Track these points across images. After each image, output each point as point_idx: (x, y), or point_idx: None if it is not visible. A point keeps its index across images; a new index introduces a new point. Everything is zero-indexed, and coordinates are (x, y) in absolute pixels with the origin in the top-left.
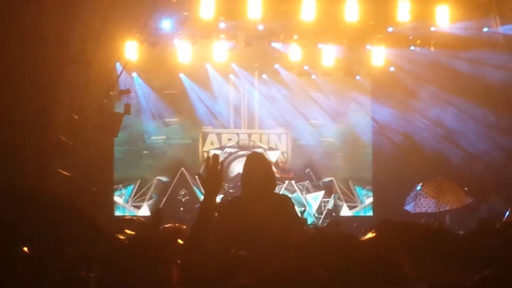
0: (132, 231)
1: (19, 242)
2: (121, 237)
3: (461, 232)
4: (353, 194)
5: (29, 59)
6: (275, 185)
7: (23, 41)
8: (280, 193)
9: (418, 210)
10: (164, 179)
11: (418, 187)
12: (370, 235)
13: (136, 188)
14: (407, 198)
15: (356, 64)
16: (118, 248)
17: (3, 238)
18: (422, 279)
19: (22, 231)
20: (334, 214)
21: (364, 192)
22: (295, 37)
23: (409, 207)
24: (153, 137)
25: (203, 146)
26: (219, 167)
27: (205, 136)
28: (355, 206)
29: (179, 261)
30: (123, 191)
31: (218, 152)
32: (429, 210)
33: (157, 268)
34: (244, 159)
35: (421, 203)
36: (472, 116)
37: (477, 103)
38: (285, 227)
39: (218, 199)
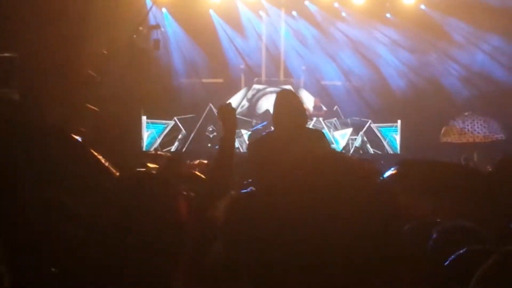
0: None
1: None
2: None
3: (488, 168)
4: (380, 132)
5: None
6: (307, 120)
7: None
8: None
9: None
10: (192, 115)
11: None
12: (389, 172)
13: (166, 125)
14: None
15: (387, 2)
16: (123, 180)
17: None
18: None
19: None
20: (361, 152)
21: (391, 131)
22: None
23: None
24: (182, 75)
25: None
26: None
27: (233, 76)
28: (382, 145)
29: (185, 193)
30: (153, 127)
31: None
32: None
33: (163, 198)
34: (272, 95)
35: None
36: (505, 53)
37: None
38: (321, 158)
39: (246, 135)
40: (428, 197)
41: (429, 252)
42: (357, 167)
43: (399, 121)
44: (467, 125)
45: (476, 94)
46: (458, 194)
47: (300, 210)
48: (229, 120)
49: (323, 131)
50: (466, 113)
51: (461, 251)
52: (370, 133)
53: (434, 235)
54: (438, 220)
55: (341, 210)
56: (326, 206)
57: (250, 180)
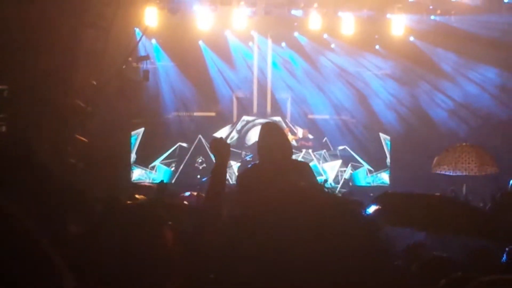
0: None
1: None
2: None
3: (480, 204)
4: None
5: (47, 23)
6: (291, 152)
7: (42, 5)
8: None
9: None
10: (183, 145)
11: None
12: (372, 206)
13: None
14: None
15: (376, 33)
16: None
17: None
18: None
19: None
20: (350, 183)
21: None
22: (315, 5)
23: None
24: (171, 107)
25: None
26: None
27: (224, 108)
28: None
29: (170, 223)
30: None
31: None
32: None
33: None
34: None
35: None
36: (493, 83)
37: (500, 68)
38: (304, 191)
39: (236, 167)
40: (412, 229)
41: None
42: (339, 202)
43: (388, 154)
44: (461, 157)
45: (464, 127)
46: (444, 226)
47: (282, 243)
48: (222, 153)
49: (313, 163)
50: (458, 144)
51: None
52: (357, 163)
53: (414, 267)
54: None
55: (323, 245)
56: (308, 241)
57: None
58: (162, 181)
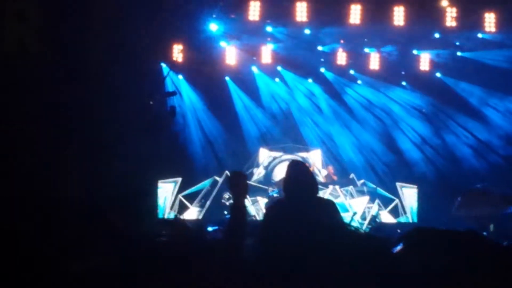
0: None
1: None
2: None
3: (505, 243)
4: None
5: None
6: (317, 189)
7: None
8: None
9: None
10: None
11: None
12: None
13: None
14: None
15: (402, 69)
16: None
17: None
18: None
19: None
20: (377, 220)
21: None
22: (342, 41)
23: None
24: (197, 143)
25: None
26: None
27: (250, 144)
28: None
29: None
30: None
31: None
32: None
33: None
34: (287, 162)
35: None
36: None
37: None
38: (329, 229)
39: (262, 203)
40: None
41: None
42: (364, 238)
43: (416, 190)
44: (485, 197)
45: (484, 165)
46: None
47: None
48: (240, 186)
49: (340, 199)
50: (479, 185)
51: None
52: (386, 201)
53: None
54: None
55: (350, 281)
56: (333, 277)
57: None
58: (176, 215)
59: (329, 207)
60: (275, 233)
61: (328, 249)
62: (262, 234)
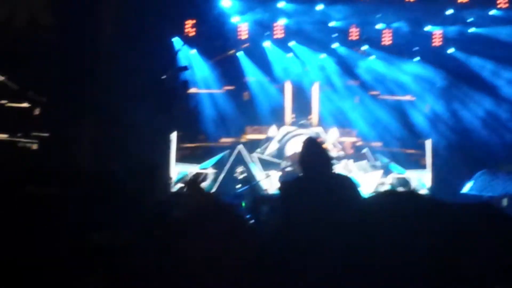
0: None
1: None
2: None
3: None
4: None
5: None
6: (332, 165)
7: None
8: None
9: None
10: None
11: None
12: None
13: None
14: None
15: (415, 45)
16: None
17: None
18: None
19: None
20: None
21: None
22: (354, 17)
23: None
24: (209, 118)
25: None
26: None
27: (263, 119)
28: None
29: None
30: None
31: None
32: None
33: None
34: (301, 137)
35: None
36: None
37: None
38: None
39: (276, 176)
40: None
41: None
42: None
43: (429, 168)
44: (498, 180)
45: (497, 140)
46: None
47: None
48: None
49: (351, 175)
50: (492, 169)
51: None
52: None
53: None
54: None
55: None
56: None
57: None
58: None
59: (346, 182)
60: (293, 209)
61: (344, 224)
62: (282, 210)
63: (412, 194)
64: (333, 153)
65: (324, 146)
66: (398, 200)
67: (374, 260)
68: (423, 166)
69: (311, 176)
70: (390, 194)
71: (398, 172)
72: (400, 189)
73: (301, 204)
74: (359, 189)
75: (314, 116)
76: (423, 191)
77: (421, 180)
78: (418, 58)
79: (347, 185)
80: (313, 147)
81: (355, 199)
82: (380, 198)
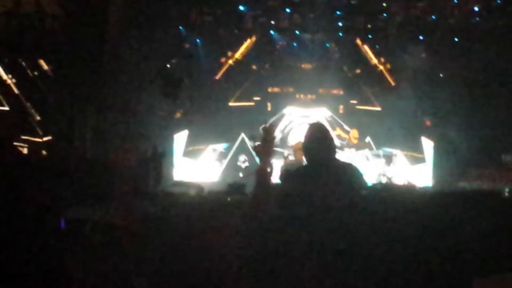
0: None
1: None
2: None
3: None
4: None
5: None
6: (335, 152)
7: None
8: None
9: None
10: (224, 145)
11: None
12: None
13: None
14: None
15: (421, 33)
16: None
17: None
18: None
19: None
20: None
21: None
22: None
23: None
24: (214, 100)
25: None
26: (271, 138)
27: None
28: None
29: None
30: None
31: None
32: None
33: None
34: (304, 125)
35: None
36: None
37: None
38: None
39: (278, 164)
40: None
41: None
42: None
43: (431, 151)
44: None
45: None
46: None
47: (331, 237)
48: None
49: (355, 163)
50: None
51: None
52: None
53: None
54: None
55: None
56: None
57: None
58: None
59: (349, 169)
60: (293, 196)
61: (347, 211)
62: (280, 197)
63: (411, 188)
64: (336, 141)
65: (329, 132)
66: (397, 193)
67: (371, 246)
68: (423, 160)
69: (313, 160)
70: (388, 187)
71: (398, 162)
72: (399, 181)
73: (301, 191)
74: (363, 177)
75: (318, 97)
76: (423, 184)
77: (421, 174)
78: (424, 46)
79: (349, 172)
80: (317, 132)
81: (358, 186)
82: (379, 191)
